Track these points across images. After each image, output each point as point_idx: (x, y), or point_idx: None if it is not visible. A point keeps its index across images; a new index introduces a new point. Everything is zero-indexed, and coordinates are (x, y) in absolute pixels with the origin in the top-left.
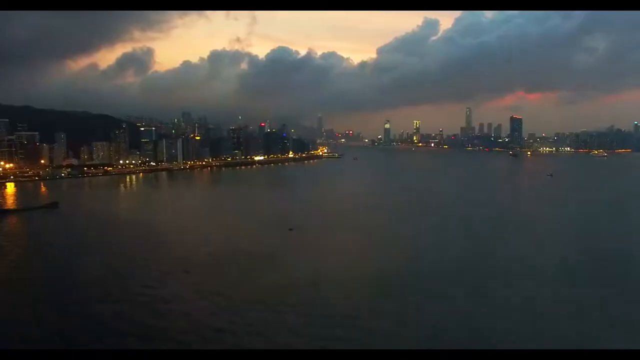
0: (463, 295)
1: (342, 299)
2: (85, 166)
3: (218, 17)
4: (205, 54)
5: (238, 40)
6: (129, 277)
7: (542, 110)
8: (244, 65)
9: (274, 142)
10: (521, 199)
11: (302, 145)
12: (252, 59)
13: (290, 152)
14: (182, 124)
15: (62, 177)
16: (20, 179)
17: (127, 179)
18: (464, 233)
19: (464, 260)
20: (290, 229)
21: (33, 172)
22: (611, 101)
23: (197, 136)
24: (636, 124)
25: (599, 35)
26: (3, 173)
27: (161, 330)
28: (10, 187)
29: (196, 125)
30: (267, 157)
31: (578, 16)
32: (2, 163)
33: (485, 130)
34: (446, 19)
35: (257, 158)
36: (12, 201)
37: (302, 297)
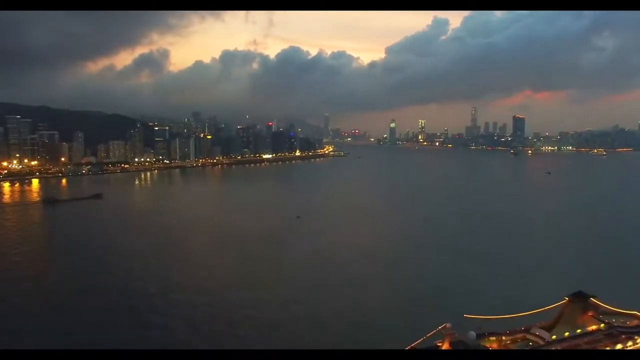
0: (435, 264)
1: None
2: (104, 164)
3: (236, 21)
4: (218, 55)
5: (254, 42)
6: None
7: (549, 109)
8: (255, 65)
9: (281, 141)
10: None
11: (309, 144)
12: (263, 59)
13: (297, 151)
14: (193, 123)
15: (82, 174)
16: (45, 175)
17: (143, 176)
18: (440, 223)
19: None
20: (298, 217)
21: (56, 169)
22: (618, 100)
23: (209, 135)
24: None
25: (608, 35)
26: (28, 170)
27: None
28: (35, 183)
29: (206, 124)
30: (275, 155)
31: (588, 16)
32: (26, 161)
33: (491, 129)
34: (456, 18)
35: (265, 156)
36: (55, 193)
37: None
